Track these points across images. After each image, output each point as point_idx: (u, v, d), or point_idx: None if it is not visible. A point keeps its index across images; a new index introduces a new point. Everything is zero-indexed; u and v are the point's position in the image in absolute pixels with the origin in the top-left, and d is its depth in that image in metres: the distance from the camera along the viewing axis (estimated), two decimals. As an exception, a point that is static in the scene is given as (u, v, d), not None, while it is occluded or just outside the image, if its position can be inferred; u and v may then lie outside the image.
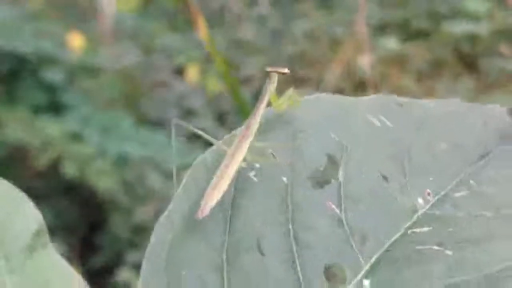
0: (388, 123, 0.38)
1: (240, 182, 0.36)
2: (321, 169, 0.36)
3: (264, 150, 0.37)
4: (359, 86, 2.09)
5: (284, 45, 2.44)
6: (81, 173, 1.61)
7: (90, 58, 2.09)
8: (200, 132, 0.39)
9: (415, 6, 2.59)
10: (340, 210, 0.35)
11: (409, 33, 2.44)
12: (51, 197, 1.65)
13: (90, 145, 1.69)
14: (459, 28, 2.35)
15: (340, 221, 0.35)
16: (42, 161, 1.62)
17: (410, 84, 2.17)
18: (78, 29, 2.20)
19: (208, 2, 2.61)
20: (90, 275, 1.57)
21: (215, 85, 2.12)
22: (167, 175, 1.67)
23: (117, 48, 2.31)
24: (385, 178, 0.36)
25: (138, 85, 2.16)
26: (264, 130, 0.38)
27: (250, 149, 0.37)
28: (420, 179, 0.37)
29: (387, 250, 0.34)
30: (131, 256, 1.56)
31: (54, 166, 1.63)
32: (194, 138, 1.71)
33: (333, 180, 0.36)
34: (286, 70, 0.40)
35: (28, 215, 0.27)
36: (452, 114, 0.40)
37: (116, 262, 1.58)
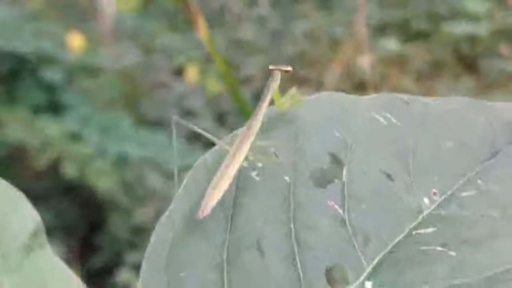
0: (393, 120, 0.38)
1: (241, 181, 0.36)
2: (324, 168, 0.36)
3: (266, 149, 0.37)
4: (359, 87, 2.09)
5: (284, 45, 2.44)
6: (81, 173, 1.61)
7: (90, 58, 2.09)
8: (201, 131, 0.38)
9: (415, 6, 2.59)
10: (343, 210, 0.35)
11: (409, 34, 2.44)
12: (50, 197, 1.65)
13: (90, 145, 1.68)
14: (459, 28, 2.35)
15: (343, 221, 0.35)
16: (41, 161, 1.62)
17: (410, 84, 2.17)
18: (78, 29, 2.20)
19: (208, 2, 2.61)
20: (90, 275, 1.56)
21: (215, 85, 2.12)
22: (167, 176, 1.67)
23: (117, 48, 2.31)
24: (389, 177, 0.36)
25: (138, 85, 2.16)
26: (266, 129, 0.38)
27: (252, 148, 0.37)
28: (426, 179, 0.36)
29: (390, 252, 0.34)
30: (130, 257, 1.56)
31: (54, 166, 1.63)
32: (194, 139, 1.71)
33: (336, 180, 0.36)
34: (289, 68, 0.40)
35: (25, 215, 0.27)
36: (457, 112, 0.39)
37: (115, 262, 1.58)
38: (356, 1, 2.19)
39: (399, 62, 2.28)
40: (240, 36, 2.53)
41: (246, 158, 0.36)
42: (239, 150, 0.36)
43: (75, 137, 1.70)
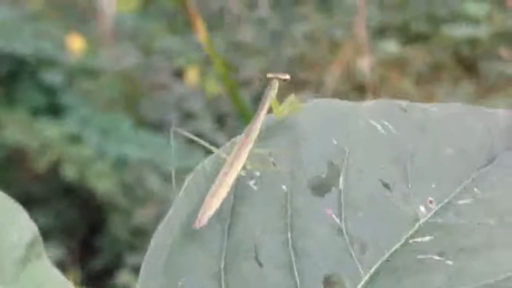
0: (391, 128, 0.38)
1: (239, 190, 0.36)
2: (322, 176, 0.36)
3: (264, 157, 0.37)
4: (359, 89, 2.09)
5: (284, 47, 2.44)
6: (81, 175, 1.61)
7: (89, 59, 2.09)
8: (201, 141, 0.38)
9: (415, 8, 2.59)
10: (340, 219, 0.35)
11: (408, 36, 2.44)
12: (50, 199, 1.65)
13: (89, 147, 1.68)
14: (459, 31, 2.35)
15: (340, 229, 0.35)
16: (41, 163, 1.62)
17: (409, 87, 2.17)
18: (78, 30, 2.20)
19: (207, 3, 2.61)
20: (90, 277, 1.56)
21: (214, 87, 2.12)
22: (167, 177, 1.67)
23: (116, 49, 2.31)
24: (386, 185, 0.36)
25: (138, 87, 2.16)
26: (264, 136, 0.38)
27: (250, 156, 0.37)
28: (423, 186, 0.36)
29: (387, 260, 0.34)
30: (130, 259, 1.56)
31: (54, 168, 1.63)
32: (193, 140, 1.71)
33: (333, 188, 0.36)
34: (287, 76, 0.40)
35: (23, 226, 0.27)
36: (455, 118, 0.39)
37: (115, 264, 1.58)
38: (355, 3, 2.19)
39: (398, 64, 2.28)
40: (240, 38, 2.53)
41: (244, 167, 0.36)
42: (237, 158, 0.37)
43: (75, 139, 1.70)
